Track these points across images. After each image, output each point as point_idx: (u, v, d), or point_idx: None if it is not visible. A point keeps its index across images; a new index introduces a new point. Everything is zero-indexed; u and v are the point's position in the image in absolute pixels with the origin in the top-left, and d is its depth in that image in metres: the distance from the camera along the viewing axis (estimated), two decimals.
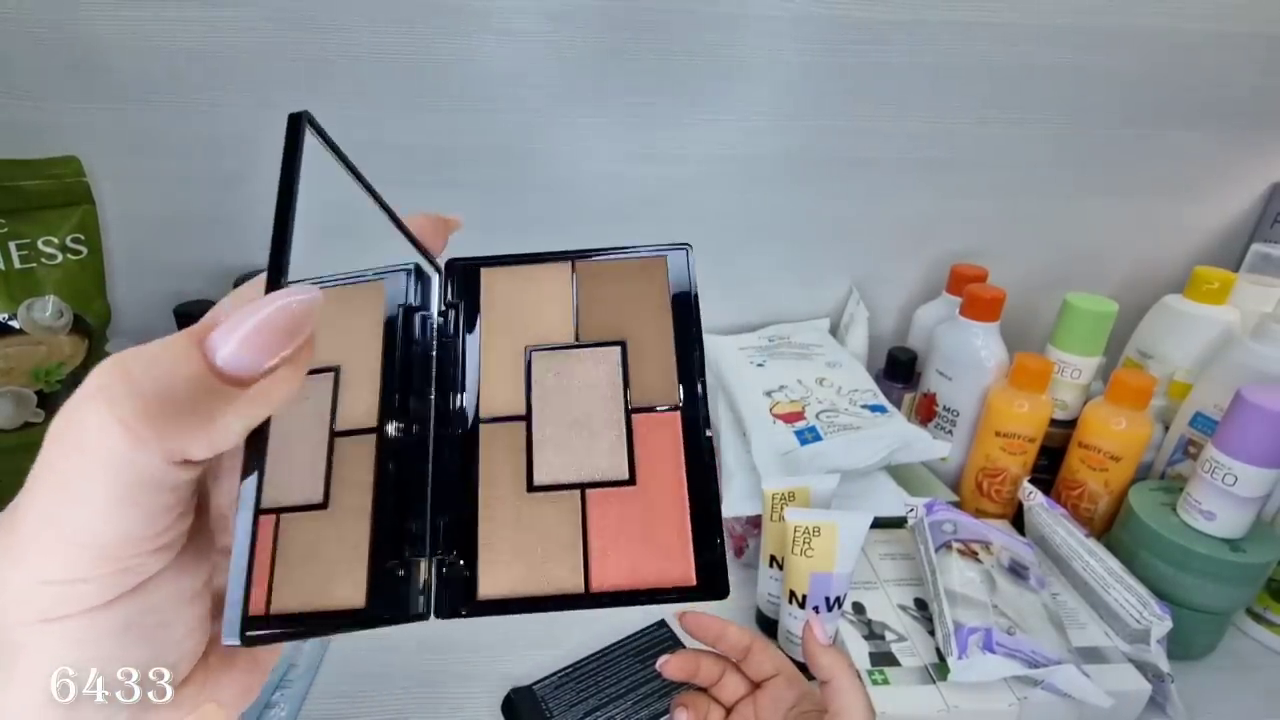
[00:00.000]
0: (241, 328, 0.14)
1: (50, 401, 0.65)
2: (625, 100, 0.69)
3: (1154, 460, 0.66)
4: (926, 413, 0.72)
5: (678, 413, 0.19)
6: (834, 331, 0.84)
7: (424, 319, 0.21)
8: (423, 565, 0.19)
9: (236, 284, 0.71)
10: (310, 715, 0.51)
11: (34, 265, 0.65)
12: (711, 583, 0.18)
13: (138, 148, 0.68)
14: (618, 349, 0.20)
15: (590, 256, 0.21)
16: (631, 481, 0.18)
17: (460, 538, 0.18)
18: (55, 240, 0.66)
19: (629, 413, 0.19)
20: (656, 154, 0.72)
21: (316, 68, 0.65)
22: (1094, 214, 0.80)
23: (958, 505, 0.65)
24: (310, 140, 0.18)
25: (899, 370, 0.76)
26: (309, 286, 0.15)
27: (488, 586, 0.19)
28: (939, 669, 0.50)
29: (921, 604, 0.56)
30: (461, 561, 0.18)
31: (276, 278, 0.15)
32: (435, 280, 0.22)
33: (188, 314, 0.70)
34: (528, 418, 0.19)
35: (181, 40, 0.63)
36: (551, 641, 0.56)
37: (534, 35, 0.65)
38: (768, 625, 0.58)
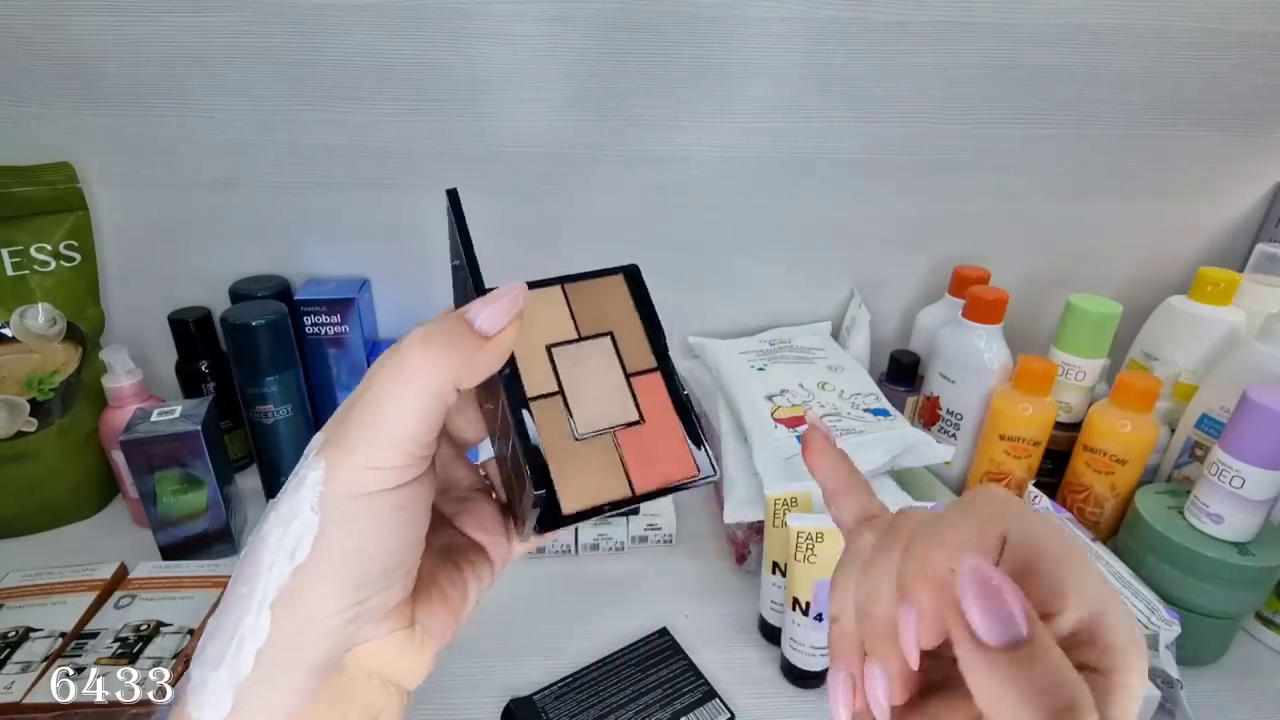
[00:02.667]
0: (488, 305, 0.23)
1: (43, 410, 0.64)
2: (624, 103, 0.68)
3: (1160, 463, 0.65)
4: (930, 416, 0.72)
5: (657, 372, 0.29)
6: (835, 335, 0.83)
7: None
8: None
9: (230, 291, 0.71)
10: None
11: (27, 272, 0.64)
12: (708, 468, 0.27)
13: (131, 154, 0.68)
14: (608, 337, 0.29)
15: (572, 281, 0.30)
16: (641, 421, 0.28)
17: (542, 480, 0.26)
18: (48, 247, 0.65)
19: (628, 377, 0.29)
20: (656, 156, 0.72)
21: (312, 73, 0.65)
22: (1097, 215, 0.80)
23: None
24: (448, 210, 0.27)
25: (901, 373, 0.75)
26: (519, 284, 0.24)
27: (568, 506, 0.26)
28: None
29: None
30: (546, 495, 0.26)
31: (480, 287, 0.25)
32: None
33: (182, 321, 0.70)
34: (560, 392, 0.28)
35: (175, 46, 0.62)
36: (552, 651, 0.55)
37: (532, 38, 0.64)
38: (770, 633, 0.57)
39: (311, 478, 0.22)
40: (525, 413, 0.26)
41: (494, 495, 0.31)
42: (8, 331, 0.63)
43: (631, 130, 0.70)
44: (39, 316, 0.64)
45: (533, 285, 0.29)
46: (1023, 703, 0.15)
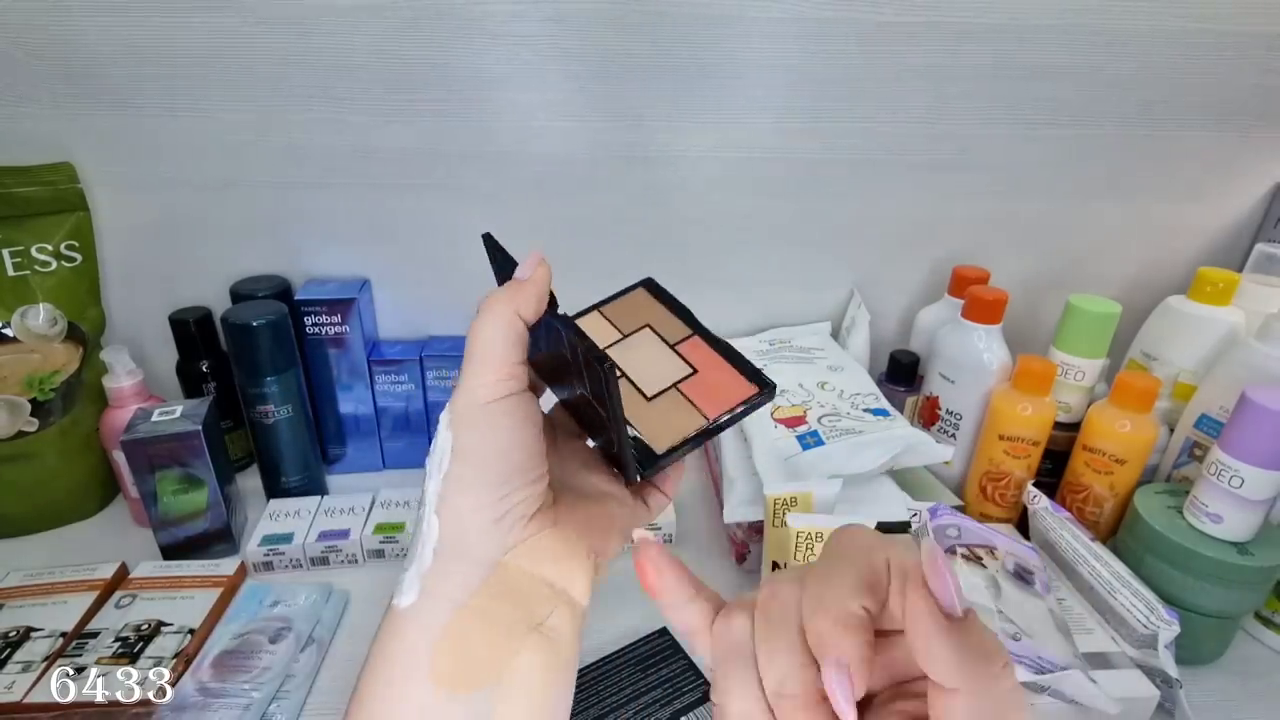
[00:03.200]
0: (525, 262, 0.30)
1: (44, 410, 0.64)
2: (624, 102, 0.69)
3: (1160, 463, 0.65)
4: (929, 416, 0.72)
5: (695, 335, 0.35)
6: (835, 335, 0.84)
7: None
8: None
9: (231, 291, 0.71)
10: None
11: (28, 273, 0.64)
12: (764, 384, 0.33)
13: (132, 154, 0.68)
14: (647, 328, 0.36)
15: (605, 304, 0.38)
16: (695, 372, 0.34)
17: (632, 436, 0.32)
18: (49, 247, 0.65)
19: (672, 347, 0.35)
20: (656, 156, 0.72)
21: (310, 74, 0.65)
22: (1096, 215, 0.80)
23: (962, 509, 0.65)
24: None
25: (901, 373, 0.75)
26: (537, 251, 0.30)
27: (659, 446, 0.31)
28: None
29: None
30: (638, 445, 0.32)
31: (511, 271, 0.30)
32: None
33: (182, 321, 0.70)
34: (623, 374, 0.34)
35: (175, 46, 0.62)
36: None
37: (531, 38, 0.64)
38: None
39: (446, 406, 0.28)
40: (603, 365, 0.29)
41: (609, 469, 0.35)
42: (9, 331, 0.63)
43: (631, 130, 0.70)
44: (40, 316, 0.65)
45: (575, 316, 0.36)
46: (971, 661, 0.18)
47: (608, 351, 0.35)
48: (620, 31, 0.65)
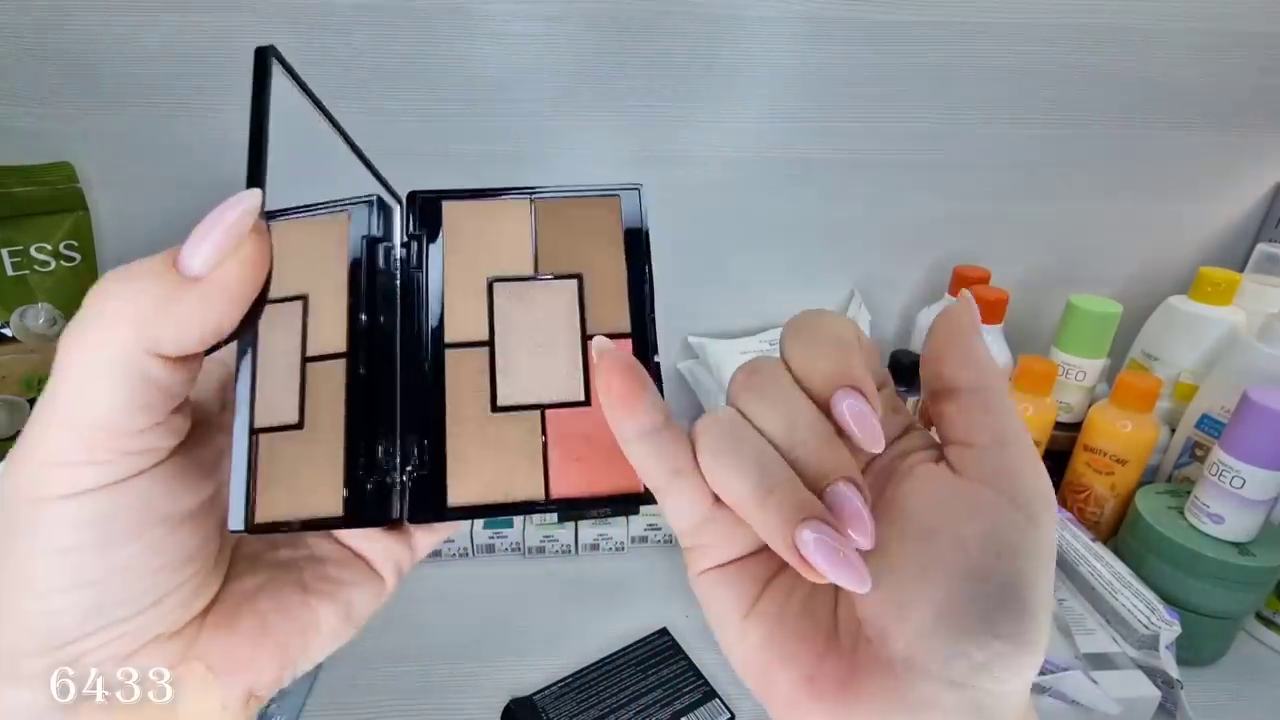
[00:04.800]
0: (198, 228, 0.16)
1: None
2: (624, 103, 0.68)
3: (1160, 463, 0.65)
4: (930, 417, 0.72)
5: (628, 340, 0.22)
6: None
7: (387, 250, 0.22)
8: (396, 478, 0.20)
9: None
10: None
11: (27, 272, 0.64)
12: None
13: (131, 153, 0.68)
14: (574, 281, 0.22)
15: (547, 195, 0.23)
16: (586, 403, 0.21)
17: (431, 453, 0.20)
18: (48, 247, 0.65)
19: (585, 339, 0.21)
20: (655, 156, 0.72)
21: (310, 73, 0.64)
22: (1097, 215, 0.80)
23: None
24: (279, 77, 0.19)
25: (902, 374, 0.75)
26: (250, 191, 0.17)
27: (457, 495, 0.20)
28: None
29: None
30: (430, 474, 0.20)
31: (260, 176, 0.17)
32: (397, 212, 0.23)
33: None
34: (490, 344, 0.21)
35: (175, 45, 0.62)
36: (552, 651, 0.55)
37: (531, 38, 0.64)
38: None
39: None
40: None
41: None
42: (8, 331, 0.63)
43: (631, 130, 0.70)
44: (39, 317, 0.64)
45: (498, 193, 0.23)
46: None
47: (496, 288, 0.22)
48: (621, 31, 0.65)
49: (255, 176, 0.17)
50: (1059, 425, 0.65)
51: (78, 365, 0.16)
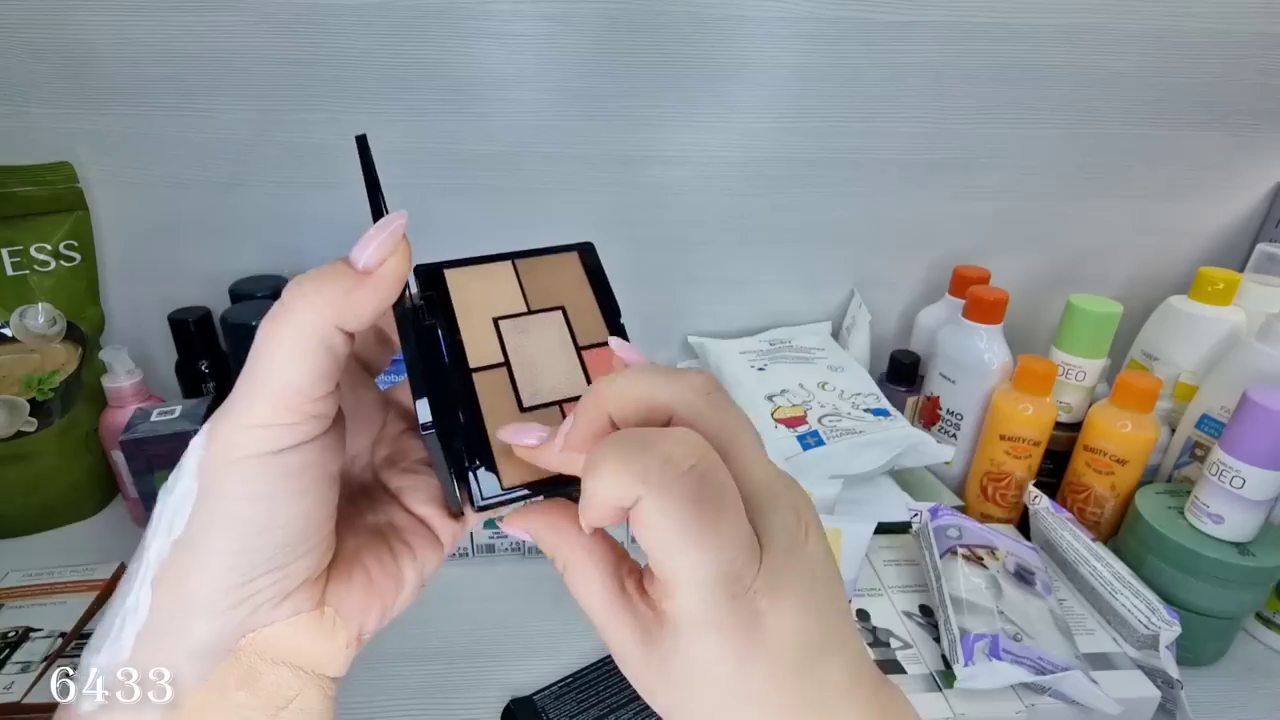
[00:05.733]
0: (364, 240, 0.21)
1: (43, 410, 0.64)
2: (624, 102, 0.68)
3: (1161, 463, 0.65)
4: (930, 416, 0.72)
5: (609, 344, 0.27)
6: (836, 335, 0.83)
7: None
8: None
9: (230, 291, 0.71)
10: None
11: (27, 272, 0.64)
12: None
13: (131, 154, 0.68)
14: (559, 311, 0.28)
15: (523, 256, 0.29)
16: None
17: (479, 453, 0.25)
18: (48, 247, 0.65)
19: (579, 350, 0.27)
20: (656, 156, 0.72)
21: (311, 73, 0.65)
22: (1097, 215, 0.80)
23: (962, 510, 0.65)
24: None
25: (902, 373, 0.75)
26: (399, 212, 0.22)
27: (509, 480, 0.24)
28: (945, 677, 0.50)
29: (927, 611, 0.56)
30: (486, 467, 0.24)
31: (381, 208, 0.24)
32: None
33: (182, 321, 0.70)
34: (507, 364, 0.26)
35: (174, 46, 0.62)
36: (552, 651, 0.55)
37: (532, 38, 0.64)
38: None
39: (195, 443, 0.21)
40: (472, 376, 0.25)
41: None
42: (8, 331, 0.63)
43: (632, 130, 0.70)
44: (39, 316, 0.64)
45: (483, 260, 0.29)
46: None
47: (501, 324, 0.27)
48: (621, 31, 0.65)
49: (380, 211, 0.24)
50: (1059, 425, 0.65)
51: (280, 344, 0.20)
